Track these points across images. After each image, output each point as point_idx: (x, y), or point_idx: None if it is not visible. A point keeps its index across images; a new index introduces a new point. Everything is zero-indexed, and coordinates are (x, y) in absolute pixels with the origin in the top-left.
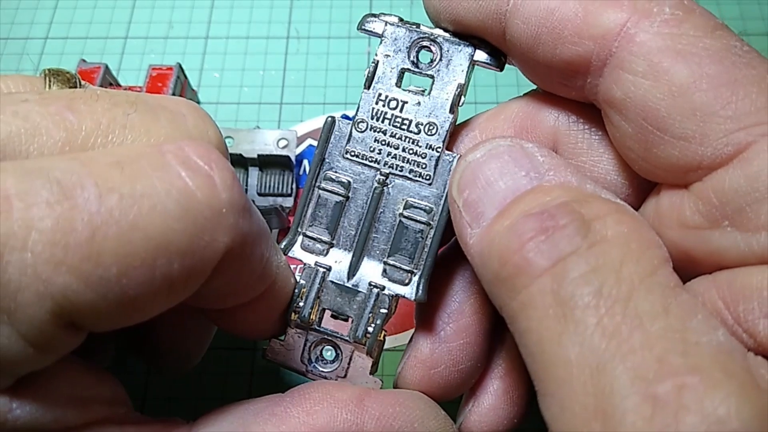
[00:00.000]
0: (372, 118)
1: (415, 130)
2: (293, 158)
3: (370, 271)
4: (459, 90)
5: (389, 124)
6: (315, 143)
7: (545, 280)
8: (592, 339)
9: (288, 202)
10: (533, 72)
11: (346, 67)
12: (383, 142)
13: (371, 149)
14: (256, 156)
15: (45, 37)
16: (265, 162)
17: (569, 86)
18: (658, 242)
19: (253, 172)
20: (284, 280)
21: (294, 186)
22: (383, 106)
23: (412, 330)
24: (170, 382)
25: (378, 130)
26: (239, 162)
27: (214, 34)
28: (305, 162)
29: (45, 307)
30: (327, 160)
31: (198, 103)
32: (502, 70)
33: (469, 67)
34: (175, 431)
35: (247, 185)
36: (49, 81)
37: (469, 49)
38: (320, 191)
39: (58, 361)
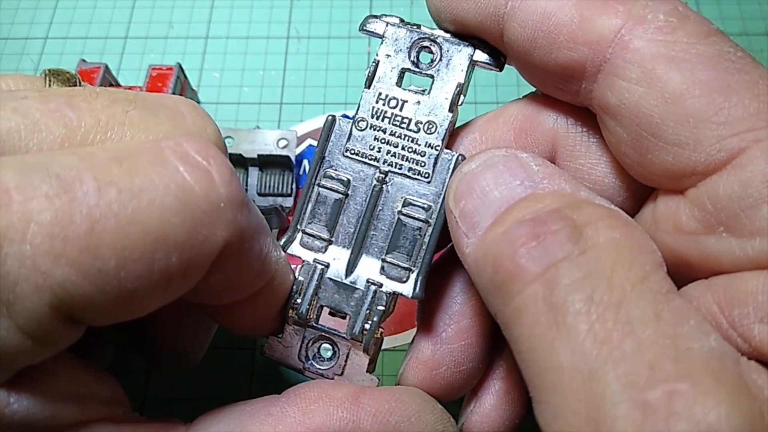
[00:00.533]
0: (372, 117)
1: (415, 129)
2: (293, 158)
3: (369, 268)
4: (458, 89)
5: (389, 123)
6: (315, 143)
7: (537, 287)
8: (584, 345)
9: (288, 202)
10: (530, 74)
11: (346, 67)
12: (383, 141)
13: (371, 147)
14: (256, 156)
15: (45, 37)
16: (265, 162)
17: (565, 90)
18: (651, 247)
19: (253, 172)
20: (283, 276)
21: (294, 186)
22: (383, 105)
23: (412, 330)
24: (170, 382)
25: (378, 128)
26: (239, 162)
27: (214, 34)
28: (305, 162)
29: (44, 300)
30: (327, 158)
31: (198, 103)
32: (501, 70)
33: (468, 66)
34: None
35: (247, 185)
36: (49, 80)
37: (469, 50)
38: (320, 189)
39: (57, 359)
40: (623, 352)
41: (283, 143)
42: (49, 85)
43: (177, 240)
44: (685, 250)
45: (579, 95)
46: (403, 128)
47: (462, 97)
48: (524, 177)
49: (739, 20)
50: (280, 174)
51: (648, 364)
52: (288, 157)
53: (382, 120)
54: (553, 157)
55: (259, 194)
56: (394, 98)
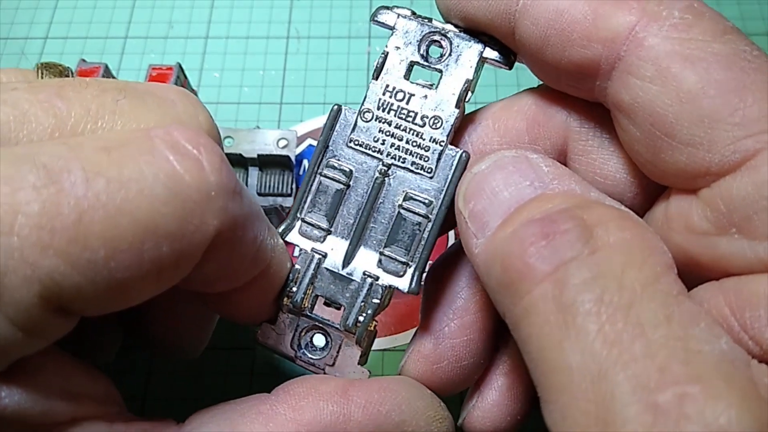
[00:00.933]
0: (378, 109)
1: (420, 123)
2: (293, 158)
3: (366, 260)
4: (466, 85)
5: (395, 116)
6: (315, 143)
7: (546, 286)
8: (593, 346)
9: (288, 202)
10: (542, 72)
11: (346, 67)
12: (388, 133)
13: (375, 139)
14: (256, 156)
15: (45, 37)
16: (265, 162)
17: (578, 87)
18: (662, 248)
19: (253, 172)
20: (279, 264)
21: (294, 186)
22: (390, 97)
23: (412, 330)
24: (170, 382)
25: (383, 120)
26: (239, 162)
27: (214, 34)
28: (305, 162)
29: (33, 291)
30: (330, 148)
31: None
32: (511, 68)
33: (478, 63)
34: (164, 431)
35: (247, 185)
36: (42, 73)
37: (479, 46)
38: (322, 178)
39: (50, 356)
40: (633, 354)
41: (283, 143)
42: (42, 78)
43: (167, 230)
44: (696, 250)
45: (593, 92)
46: (408, 122)
47: (470, 93)
48: (534, 177)
49: (739, 20)
50: (280, 174)
51: (658, 366)
52: (288, 157)
53: (388, 112)
54: (565, 150)
55: (259, 194)
56: (402, 91)
